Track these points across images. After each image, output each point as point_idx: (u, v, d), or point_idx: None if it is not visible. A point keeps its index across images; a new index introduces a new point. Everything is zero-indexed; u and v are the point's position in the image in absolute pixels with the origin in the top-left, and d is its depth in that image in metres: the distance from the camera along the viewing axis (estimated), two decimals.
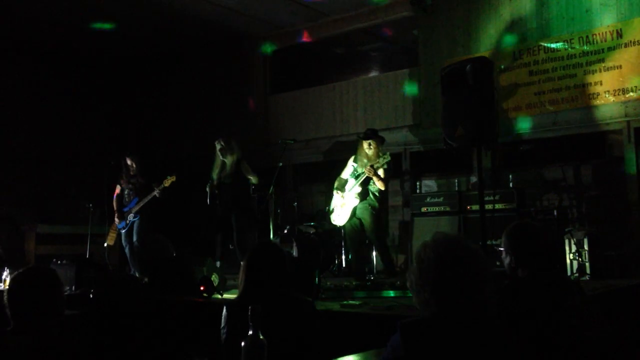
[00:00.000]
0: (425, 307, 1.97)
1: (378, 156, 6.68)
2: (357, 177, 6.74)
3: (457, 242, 2.00)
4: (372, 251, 7.48)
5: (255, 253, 2.91)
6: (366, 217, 6.68)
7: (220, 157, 7.19)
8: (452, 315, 1.92)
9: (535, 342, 2.42)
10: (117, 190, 7.91)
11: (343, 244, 7.60)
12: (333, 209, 6.98)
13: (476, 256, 1.97)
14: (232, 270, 7.16)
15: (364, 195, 6.72)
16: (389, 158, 6.59)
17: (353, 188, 6.74)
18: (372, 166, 6.55)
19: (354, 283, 6.35)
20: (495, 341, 1.92)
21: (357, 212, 6.75)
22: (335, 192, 6.97)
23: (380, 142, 6.94)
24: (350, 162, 6.97)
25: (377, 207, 6.75)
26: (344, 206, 6.81)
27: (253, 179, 7.27)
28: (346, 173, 6.97)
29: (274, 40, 10.75)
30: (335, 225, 7.16)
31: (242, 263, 2.92)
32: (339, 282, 6.60)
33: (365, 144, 6.79)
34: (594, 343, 2.62)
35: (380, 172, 6.62)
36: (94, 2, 9.08)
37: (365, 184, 6.71)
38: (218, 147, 7.19)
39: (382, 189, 6.73)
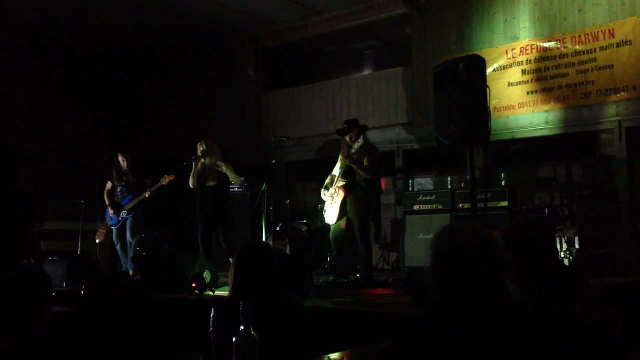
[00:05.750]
0: (444, 300, 1.96)
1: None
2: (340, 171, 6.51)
3: (465, 231, 1.97)
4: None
5: (245, 252, 2.92)
6: (354, 214, 6.40)
7: (201, 159, 7.12)
8: (465, 303, 1.89)
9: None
10: (108, 186, 7.88)
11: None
12: (325, 209, 6.73)
13: (483, 241, 1.94)
14: (224, 267, 7.18)
15: (349, 187, 6.40)
16: (362, 141, 6.27)
17: (337, 182, 6.48)
18: (348, 154, 6.29)
19: (337, 281, 6.34)
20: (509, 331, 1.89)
21: (347, 208, 6.45)
22: (322, 190, 6.72)
23: (361, 131, 6.60)
24: (340, 157, 6.69)
25: (366, 199, 6.39)
26: (332, 203, 6.56)
27: (236, 180, 7.25)
28: (336, 169, 6.72)
29: (267, 37, 10.75)
30: (328, 225, 6.85)
31: (231, 262, 2.92)
32: (331, 279, 6.61)
33: (347, 138, 6.53)
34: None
35: (365, 161, 6.31)
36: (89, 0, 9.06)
37: (349, 175, 6.40)
38: (200, 149, 7.13)
39: (369, 177, 6.35)
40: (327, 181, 6.75)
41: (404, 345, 1.93)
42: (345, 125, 6.64)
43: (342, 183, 6.44)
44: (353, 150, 6.29)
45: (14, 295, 2.34)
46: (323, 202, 6.83)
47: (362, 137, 6.34)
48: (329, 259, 7.90)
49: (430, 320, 1.96)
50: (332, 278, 6.51)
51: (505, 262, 1.96)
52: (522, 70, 7.97)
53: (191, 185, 7.11)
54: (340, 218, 6.49)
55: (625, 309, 5.17)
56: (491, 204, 7.04)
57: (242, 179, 7.65)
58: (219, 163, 7.05)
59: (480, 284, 1.89)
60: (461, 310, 1.89)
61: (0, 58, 10.60)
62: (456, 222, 2.13)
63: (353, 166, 6.30)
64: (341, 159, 6.56)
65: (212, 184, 7.06)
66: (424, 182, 8.99)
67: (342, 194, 6.44)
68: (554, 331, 1.94)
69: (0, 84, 10.47)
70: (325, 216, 6.73)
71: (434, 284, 1.96)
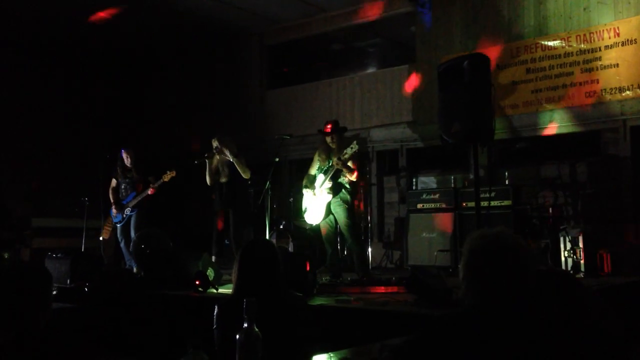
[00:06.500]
0: (469, 298, 2.02)
1: (342, 148, 6.41)
2: (326, 172, 6.50)
3: (499, 237, 2.03)
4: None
5: (248, 249, 2.91)
6: (340, 213, 6.47)
7: (216, 155, 7.17)
8: (493, 306, 1.95)
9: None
10: (113, 183, 7.90)
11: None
12: (306, 208, 6.73)
13: (516, 250, 2.00)
14: (228, 265, 7.18)
15: (336, 189, 6.47)
16: (357, 147, 6.29)
17: (324, 183, 6.50)
18: (339, 158, 6.32)
19: (332, 280, 6.34)
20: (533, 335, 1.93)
21: (332, 208, 6.52)
22: (304, 190, 6.73)
23: (342, 133, 6.72)
24: (316, 157, 6.77)
25: (350, 201, 6.49)
26: (316, 203, 6.58)
27: (245, 175, 7.27)
28: (314, 169, 6.77)
29: (270, 35, 10.74)
30: (310, 225, 6.90)
31: (235, 259, 2.91)
32: (327, 278, 6.58)
33: (327, 139, 6.61)
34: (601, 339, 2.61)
35: (350, 163, 6.37)
36: None
37: (336, 177, 6.47)
38: (214, 145, 7.20)
39: (354, 180, 6.47)
40: (305, 181, 6.78)
41: (426, 345, 1.94)
42: (332, 132, 6.64)
43: (329, 185, 6.49)
44: (346, 156, 6.32)
45: (14, 292, 2.34)
46: (302, 203, 6.82)
47: (355, 142, 6.36)
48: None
49: (456, 320, 1.99)
50: (327, 277, 6.50)
51: (533, 266, 2.03)
52: (527, 69, 7.95)
53: (208, 183, 7.19)
54: (325, 217, 6.55)
55: (625, 309, 5.16)
56: (495, 203, 7.01)
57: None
58: (225, 151, 7.06)
59: (511, 287, 1.96)
60: (492, 311, 1.94)
61: (0, 58, 10.61)
62: (488, 228, 2.26)
63: (344, 169, 6.37)
64: (318, 159, 6.66)
65: (224, 180, 7.12)
66: (427, 181, 8.98)
67: (327, 195, 6.49)
68: (555, 331, 1.96)
69: (2, 82, 10.49)
70: (305, 216, 6.75)
71: (466, 285, 2.02)
